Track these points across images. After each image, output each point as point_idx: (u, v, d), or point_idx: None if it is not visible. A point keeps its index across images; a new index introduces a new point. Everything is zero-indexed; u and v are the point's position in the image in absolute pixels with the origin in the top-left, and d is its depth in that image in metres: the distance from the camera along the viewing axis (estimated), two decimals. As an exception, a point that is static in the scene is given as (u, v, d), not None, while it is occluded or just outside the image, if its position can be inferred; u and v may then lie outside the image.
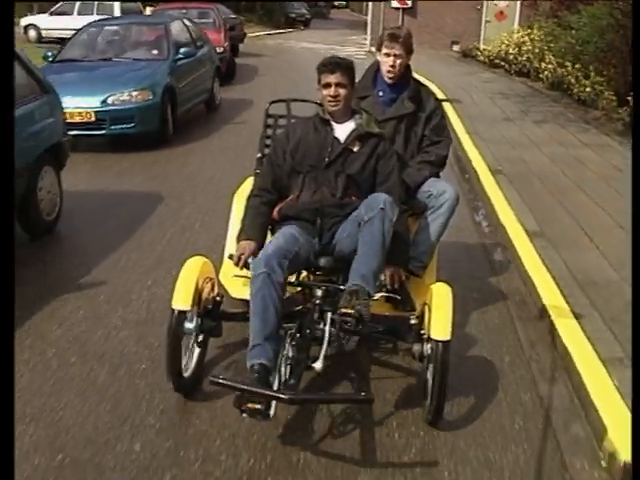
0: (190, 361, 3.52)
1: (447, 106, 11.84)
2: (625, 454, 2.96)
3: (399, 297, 3.68)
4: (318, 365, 3.09)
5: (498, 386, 3.74)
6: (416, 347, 3.37)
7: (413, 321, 3.47)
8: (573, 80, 13.60)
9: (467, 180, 7.91)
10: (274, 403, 2.92)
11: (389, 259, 3.50)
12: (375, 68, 4.29)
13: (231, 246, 3.88)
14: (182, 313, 3.28)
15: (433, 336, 3.19)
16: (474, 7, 24.51)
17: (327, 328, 3.24)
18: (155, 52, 9.54)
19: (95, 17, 19.91)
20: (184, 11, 15.25)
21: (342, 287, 3.35)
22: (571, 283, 4.73)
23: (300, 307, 3.52)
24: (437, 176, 4.29)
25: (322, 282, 3.57)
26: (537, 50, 16.67)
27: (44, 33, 24.86)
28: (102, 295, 4.58)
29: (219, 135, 9.84)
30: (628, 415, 3.20)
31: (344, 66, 3.64)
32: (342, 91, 3.61)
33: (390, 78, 4.16)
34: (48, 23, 24.83)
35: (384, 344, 3.96)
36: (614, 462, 3.04)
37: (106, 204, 6.52)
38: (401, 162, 4.03)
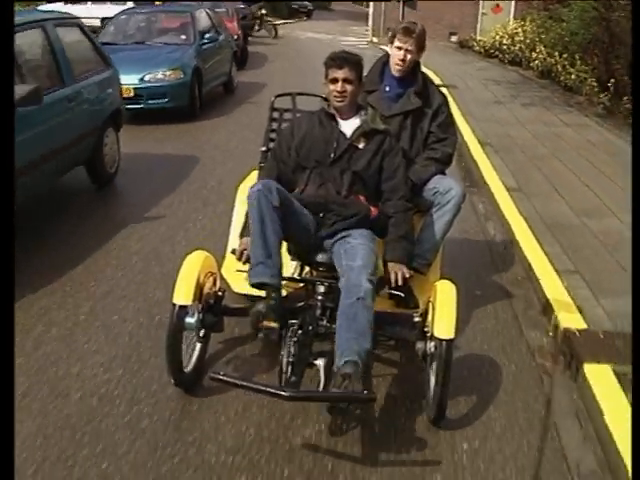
0: (191, 356, 3.54)
1: (444, 90, 12.98)
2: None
3: (402, 295, 3.70)
4: (320, 362, 3.10)
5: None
6: (419, 345, 3.36)
7: (417, 319, 3.47)
8: (560, 68, 14.74)
9: (459, 149, 9.07)
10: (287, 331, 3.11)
11: (393, 256, 3.55)
12: (383, 61, 4.29)
13: (234, 240, 3.84)
14: (183, 308, 3.29)
15: (437, 334, 3.18)
16: (472, 0, 25.66)
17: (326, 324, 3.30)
18: (183, 37, 10.69)
19: (109, 6, 21.02)
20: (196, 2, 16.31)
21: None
22: (540, 225, 5.87)
23: (302, 303, 3.51)
24: (443, 173, 4.28)
25: (324, 278, 3.55)
26: (529, 41, 17.83)
27: (59, 22, 25.82)
28: (164, 225, 5.78)
29: (239, 112, 10.98)
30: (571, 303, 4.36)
31: (352, 62, 3.61)
32: (349, 87, 3.58)
33: (398, 71, 4.14)
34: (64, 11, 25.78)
35: (387, 341, 3.91)
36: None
37: (150, 164, 7.67)
38: (407, 159, 4.02)
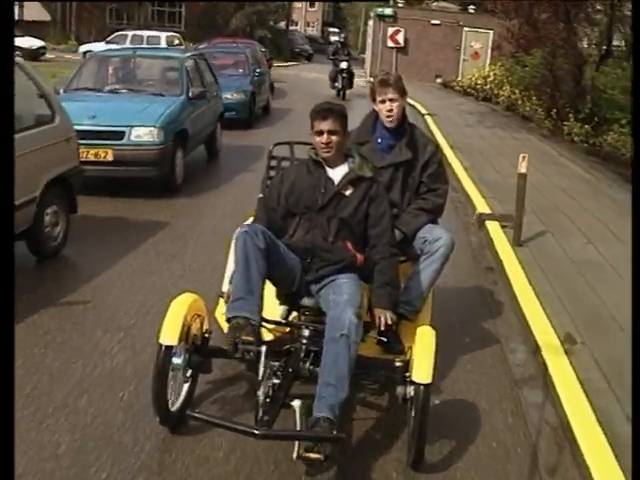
0: (178, 395, 3.54)
1: (427, 118, 17.10)
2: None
3: (386, 339, 3.75)
4: (296, 403, 3.14)
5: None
6: (399, 389, 3.39)
7: (398, 364, 3.50)
8: (520, 102, 18.95)
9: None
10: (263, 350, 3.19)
11: (379, 302, 3.62)
12: (374, 115, 4.34)
13: (227, 286, 3.83)
14: (169, 348, 3.31)
15: (414, 379, 3.24)
16: (454, 48, 30.18)
17: (309, 367, 3.36)
18: (241, 71, 14.79)
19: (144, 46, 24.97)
20: (235, 44, 20.46)
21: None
22: (481, 184, 9.84)
23: (288, 346, 3.54)
24: (434, 222, 4.33)
25: (310, 322, 3.59)
26: (497, 81, 22.15)
27: (100, 58, 29.96)
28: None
29: (279, 125, 15.06)
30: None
31: (337, 112, 3.69)
32: (334, 138, 3.65)
33: (390, 122, 4.20)
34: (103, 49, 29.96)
35: (369, 385, 3.97)
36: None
37: (229, 148, 11.57)
38: (398, 209, 4.16)
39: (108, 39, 30.41)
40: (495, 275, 6.35)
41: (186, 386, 3.62)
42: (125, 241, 6.56)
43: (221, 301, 3.92)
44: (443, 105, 20.82)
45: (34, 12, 39.13)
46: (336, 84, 20.42)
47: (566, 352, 4.53)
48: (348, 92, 20.17)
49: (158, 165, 7.98)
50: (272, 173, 4.67)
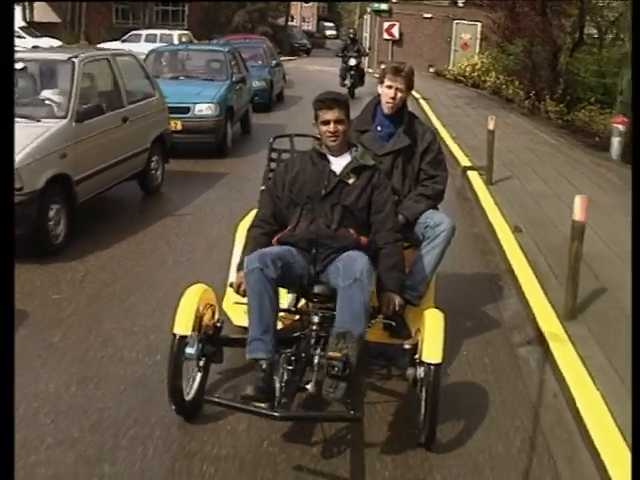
0: (192, 385, 3.66)
1: (422, 102, 19.45)
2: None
3: (394, 323, 3.84)
4: (311, 387, 3.27)
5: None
6: (410, 371, 3.48)
7: (407, 346, 3.60)
8: (504, 87, 21.32)
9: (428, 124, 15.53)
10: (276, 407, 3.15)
11: (386, 286, 3.70)
12: (375, 102, 4.45)
13: (234, 275, 3.95)
14: (183, 338, 3.43)
15: (425, 359, 3.33)
16: (445, 39, 32.62)
17: (319, 353, 3.41)
18: (260, 62, 17.09)
19: (159, 44, 26.96)
20: (247, 40, 22.71)
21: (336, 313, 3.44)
22: (465, 148, 12.16)
23: (298, 333, 3.64)
24: (435, 208, 4.41)
25: (319, 309, 3.66)
26: (484, 69, 24.50)
27: (115, 55, 32.09)
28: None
29: (293, 109, 17.38)
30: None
31: (341, 102, 3.79)
32: (341, 127, 3.75)
33: (389, 108, 4.31)
34: (119, 47, 32.00)
35: (379, 370, 4.07)
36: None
37: (255, 126, 13.85)
38: (399, 195, 4.24)
39: (124, 38, 32.36)
40: (472, 203, 8.74)
41: (199, 376, 3.72)
42: (202, 184, 9.05)
43: (229, 290, 4.07)
44: (436, 91, 23.15)
45: (43, 14, 40.46)
46: (345, 82, 19.82)
47: (515, 235, 6.90)
48: (357, 90, 19.55)
49: (215, 133, 10.44)
50: (273, 165, 4.86)
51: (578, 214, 4.77)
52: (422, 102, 19.28)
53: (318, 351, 3.44)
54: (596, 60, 19.53)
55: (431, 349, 3.35)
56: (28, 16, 39.51)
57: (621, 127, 12.16)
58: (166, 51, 12.73)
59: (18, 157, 5.48)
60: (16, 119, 5.33)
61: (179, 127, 9.97)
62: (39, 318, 4.98)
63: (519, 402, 4.13)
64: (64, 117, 6.30)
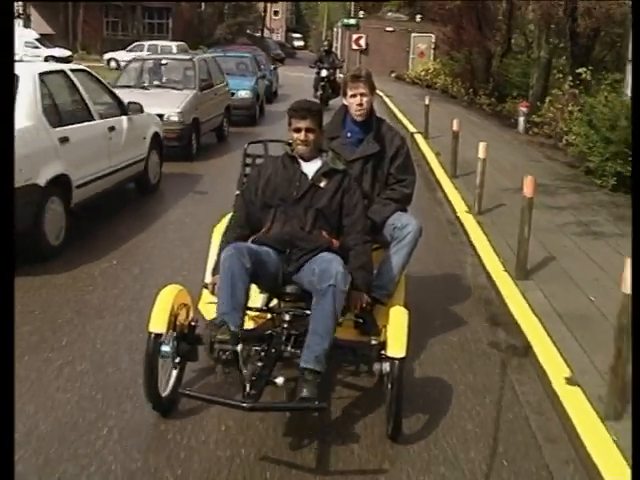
0: (168, 382, 3.73)
1: (385, 98, 24.59)
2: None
3: (363, 320, 4.00)
4: (279, 380, 3.36)
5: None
6: (376, 366, 3.60)
7: (374, 342, 3.73)
8: (450, 86, 26.61)
9: (391, 112, 20.66)
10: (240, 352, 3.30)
11: (354, 285, 3.76)
12: (344, 110, 4.56)
13: (209, 277, 4.03)
14: (159, 336, 3.49)
15: (389, 354, 3.45)
16: (404, 49, 38.28)
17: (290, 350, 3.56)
18: (262, 67, 21.86)
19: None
20: (247, 50, 27.41)
21: (308, 312, 3.60)
22: (417, 126, 17.31)
23: (269, 331, 3.74)
24: (403, 210, 4.52)
25: (291, 308, 3.78)
26: (435, 73, 29.87)
27: (122, 63, 33.24)
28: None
29: (284, 104, 21.88)
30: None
31: (314, 111, 3.94)
32: (311, 135, 3.90)
33: (360, 116, 4.40)
34: (125, 56, 32.90)
35: (348, 366, 4.09)
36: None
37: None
38: (369, 199, 4.35)
39: (129, 48, 36.02)
40: (415, 147, 13.89)
41: (175, 373, 3.80)
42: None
43: (204, 292, 4.16)
44: (397, 90, 28.42)
45: (37, 26, 42.01)
46: (317, 93, 20.46)
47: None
48: (332, 102, 19.32)
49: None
50: (248, 170, 4.89)
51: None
52: (386, 98, 24.50)
53: (289, 348, 3.63)
54: (520, 64, 24.78)
55: (395, 345, 3.48)
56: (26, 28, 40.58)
57: (524, 109, 17.26)
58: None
59: (182, 105, 11.27)
60: (169, 89, 12.03)
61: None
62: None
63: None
64: (194, 88, 12.26)
